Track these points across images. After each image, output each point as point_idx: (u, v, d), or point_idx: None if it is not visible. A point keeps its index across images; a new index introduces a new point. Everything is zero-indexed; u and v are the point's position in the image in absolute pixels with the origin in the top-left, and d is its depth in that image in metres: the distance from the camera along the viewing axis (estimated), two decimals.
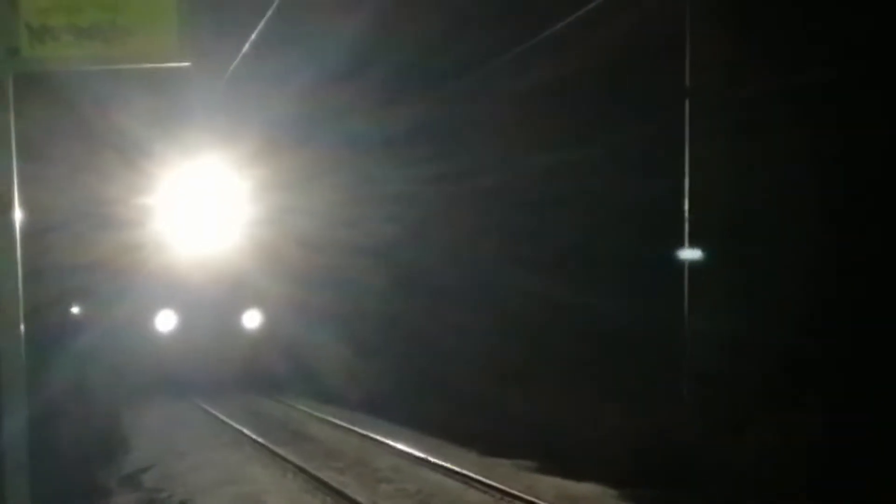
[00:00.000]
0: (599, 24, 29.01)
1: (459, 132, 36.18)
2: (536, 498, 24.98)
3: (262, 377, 46.12)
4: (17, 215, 6.25)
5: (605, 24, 28.91)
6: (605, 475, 27.42)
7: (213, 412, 39.12)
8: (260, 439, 35.40)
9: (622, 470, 27.57)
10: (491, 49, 34.46)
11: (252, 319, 49.94)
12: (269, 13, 29.07)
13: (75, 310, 44.82)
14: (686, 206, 25.78)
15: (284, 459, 31.98)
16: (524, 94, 34.54)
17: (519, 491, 25.73)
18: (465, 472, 29.15)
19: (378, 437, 35.26)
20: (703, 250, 26.70)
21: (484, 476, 28.08)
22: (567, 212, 32.95)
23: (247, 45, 31.85)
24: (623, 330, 30.46)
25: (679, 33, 25.36)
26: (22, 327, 5.98)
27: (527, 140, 35.02)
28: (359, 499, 24.90)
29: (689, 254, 27.77)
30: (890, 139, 24.06)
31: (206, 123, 37.84)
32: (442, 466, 30.44)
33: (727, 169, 25.98)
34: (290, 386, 44.18)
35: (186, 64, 6.12)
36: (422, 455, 32.24)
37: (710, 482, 24.85)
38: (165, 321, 48.59)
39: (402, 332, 39.69)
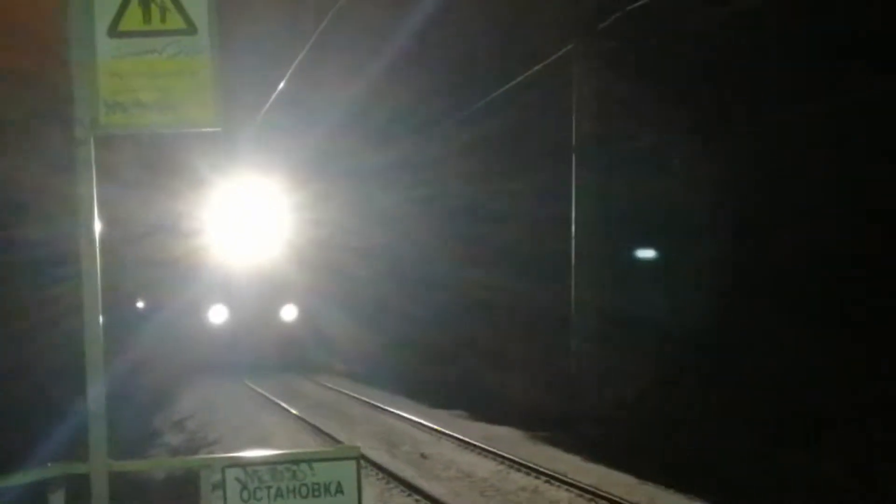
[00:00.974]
0: (525, 99, 33.71)
1: (431, 168, 40.20)
2: (466, 437, 27.90)
3: (295, 360, 46.48)
4: (98, 227, 6.81)
5: (527, 99, 33.82)
6: (515, 421, 30.47)
7: (249, 384, 40.63)
8: (275, 399, 38.01)
9: (527, 417, 30.59)
10: (448, 111, 39.94)
11: (289, 313, 50.26)
12: (286, 77, 31.20)
13: (140, 304, 45.96)
14: (573, 222, 29.26)
15: (289, 412, 34.86)
16: (474, 143, 39.76)
17: (452, 431, 29.07)
18: (414, 418, 33.21)
19: (365, 398, 38.95)
20: (583, 249, 29.39)
21: (429, 421, 31.41)
22: (502, 226, 37.96)
23: (273, 95, 34.31)
24: (536, 303, 34.57)
25: (569, 114, 28.52)
26: (101, 319, 6.58)
27: (475, 175, 40.32)
28: (337, 436, 27.89)
29: (574, 251, 30.55)
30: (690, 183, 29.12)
31: (249, 156, 39.02)
32: (399, 415, 34.41)
33: (597, 197, 30.45)
34: (315, 365, 45.70)
35: (219, 129, 6.84)
36: (388, 408, 35.78)
37: (584, 423, 27.73)
38: (217, 314, 49.08)
39: (393, 311, 42.72)
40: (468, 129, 38.45)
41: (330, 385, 40.70)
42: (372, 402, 37.32)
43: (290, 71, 34.64)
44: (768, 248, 27.63)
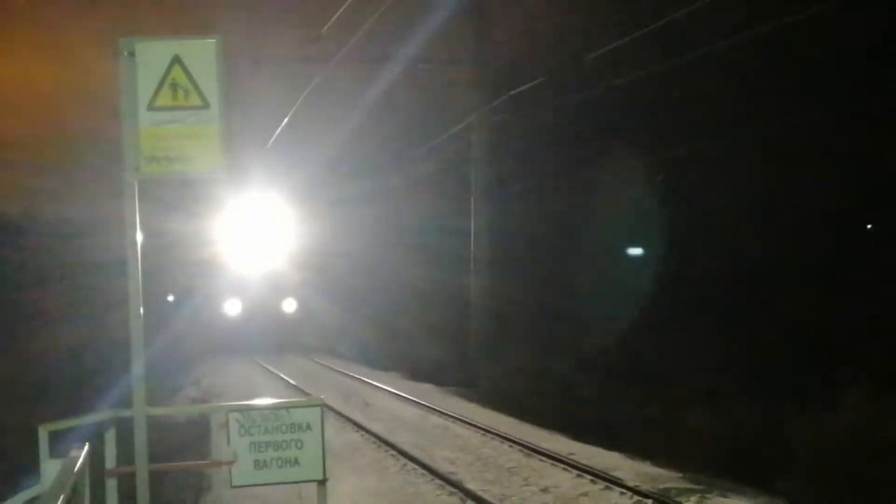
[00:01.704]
0: (445, 152, 39.88)
1: (386, 197, 43.43)
2: (398, 390, 33.32)
3: (294, 342, 49.63)
4: (140, 238, 7.43)
5: (446, 153, 40.08)
6: (434, 380, 35.96)
7: (255, 360, 43.48)
8: (270, 367, 42.37)
9: (442, 377, 35.85)
10: (395, 160, 46.02)
11: (289, 305, 52.81)
12: (286, 119, 33.46)
13: (170, 298, 46.96)
14: (472, 240, 34.64)
15: (279, 376, 39.58)
16: (413, 181, 44.71)
17: (389, 387, 34.37)
18: (365, 378, 38.11)
19: (336, 368, 42.92)
20: (478, 256, 34.72)
21: (374, 381, 37.18)
22: (430, 238, 42.14)
23: (278, 130, 36.24)
24: (450, 294, 38.65)
25: (469, 163, 30.85)
26: (142, 310, 7.52)
27: (415, 203, 45.26)
28: (309, 391, 30.66)
29: (473, 257, 35.39)
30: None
31: (257, 184, 40.11)
32: (355, 377, 39.13)
33: (488, 220, 35.02)
34: (308, 346, 49.65)
35: (225, 176, 7.67)
36: (355, 375, 39.78)
37: (484, 384, 32.39)
38: (232, 307, 51.30)
39: (363, 301, 46.35)
40: (408, 172, 44.11)
41: (315, 360, 44.19)
42: (340, 370, 41.60)
43: (281, 125, 37.50)
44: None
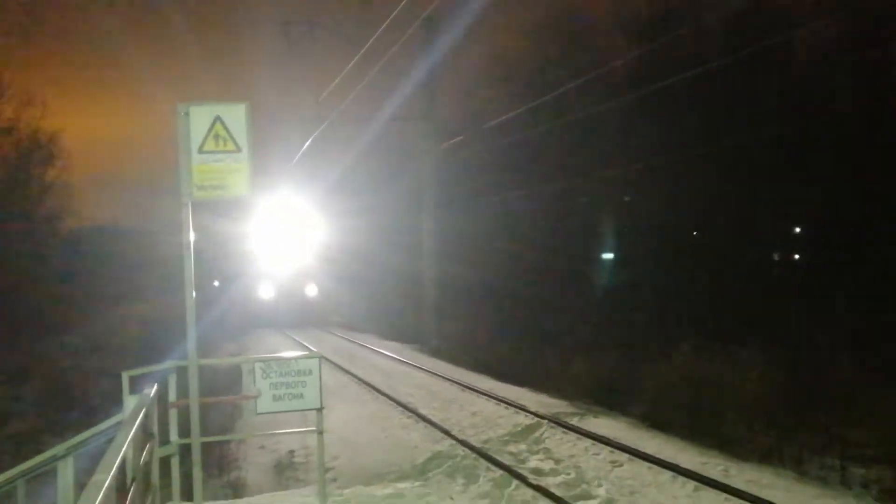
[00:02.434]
0: (409, 180, 37.72)
1: (376, 210, 42.06)
2: (374, 346, 33.18)
3: (315, 319, 47.30)
4: (192, 238, 7.52)
5: (409, 181, 37.74)
6: (401, 340, 35.36)
7: (284, 331, 41.37)
8: (290, 334, 40.78)
9: (406, 338, 35.16)
10: (378, 185, 43.31)
11: (311, 290, 50.18)
12: (308, 142, 32.91)
13: (216, 283, 46.37)
14: (423, 239, 32.88)
15: (296, 340, 37.82)
16: (387, 200, 41.78)
17: (370, 345, 33.88)
18: (354, 340, 37.12)
19: (338, 334, 41.02)
20: (429, 253, 33.09)
21: (360, 341, 35.84)
22: (401, 237, 38.90)
23: (297, 156, 35.74)
24: (412, 276, 36.24)
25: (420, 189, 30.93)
26: (194, 292, 7.46)
27: (391, 216, 41.65)
28: (314, 348, 27.85)
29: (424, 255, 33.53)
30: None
31: (285, 197, 39.33)
32: (348, 339, 38.02)
33: (435, 230, 33.29)
34: (326, 321, 46.88)
35: (251, 195, 7.77)
36: (347, 337, 38.97)
37: (433, 342, 31.80)
38: (266, 291, 48.79)
39: (365, 285, 43.96)
40: (385, 192, 41.90)
41: (328, 330, 41.71)
42: (341, 335, 39.89)
43: (297, 155, 36.85)
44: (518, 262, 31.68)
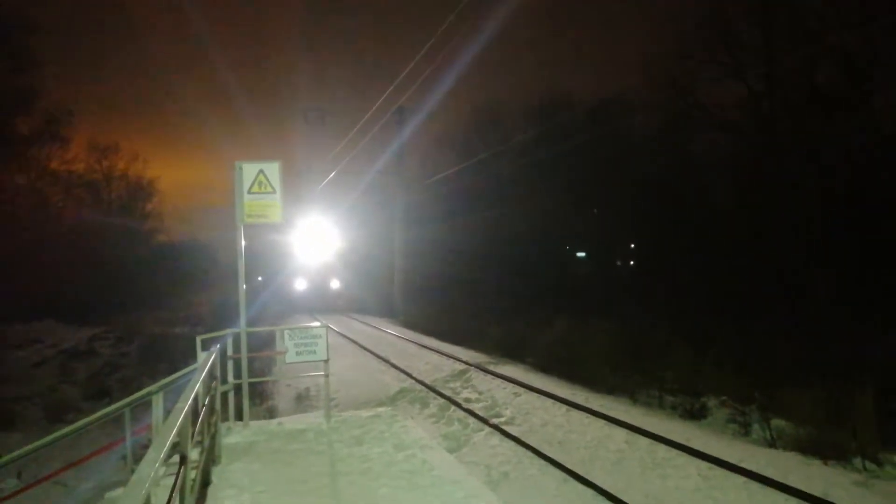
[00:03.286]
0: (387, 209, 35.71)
1: (371, 227, 39.33)
2: (362, 320, 31.69)
3: (337, 306, 42.56)
4: (244, 245, 7.36)
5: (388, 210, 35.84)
6: (381, 316, 33.49)
7: (313, 314, 38.78)
8: (317, 315, 37.55)
9: (384, 315, 33.61)
10: (377, 209, 39.85)
11: (335, 284, 45.16)
12: (333, 174, 32.19)
13: (259, 278, 44.10)
14: (395, 255, 32.22)
15: (319, 319, 36.09)
16: (372, 221, 39.29)
17: (358, 318, 32.73)
18: (357, 317, 35.52)
19: (350, 316, 36.16)
20: (400, 256, 32.28)
21: (360, 318, 34.82)
22: (380, 246, 36.84)
23: (325, 182, 33.59)
24: (389, 269, 34.49)
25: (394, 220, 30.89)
26: (244, 285, 7.21)
27: (378, 231, 38.82)
28: (331, 324, 26.89)
29: (395, 258, 32.59)
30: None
31: (314, 214, 36.40)
32: (354, 317, 35.55)
33: (404, 241, 32.30)
34: (345, 308, 41.59)
35: (282, 222, 7.74)
36: (354, 316, 36.65)
37: (401, 316, 30.84)
38: (300, 284, 44.34)
39: (370, 279, 39.09)
40: (376, 215, 39.05)
41: (345, 315, 37.30)
42: (352, 316, 35.90)
43: (320, 186, 35.26)
44: (458, 262, 30.70)
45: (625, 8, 60.57)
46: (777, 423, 9.54)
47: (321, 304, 42.07)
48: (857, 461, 8.05)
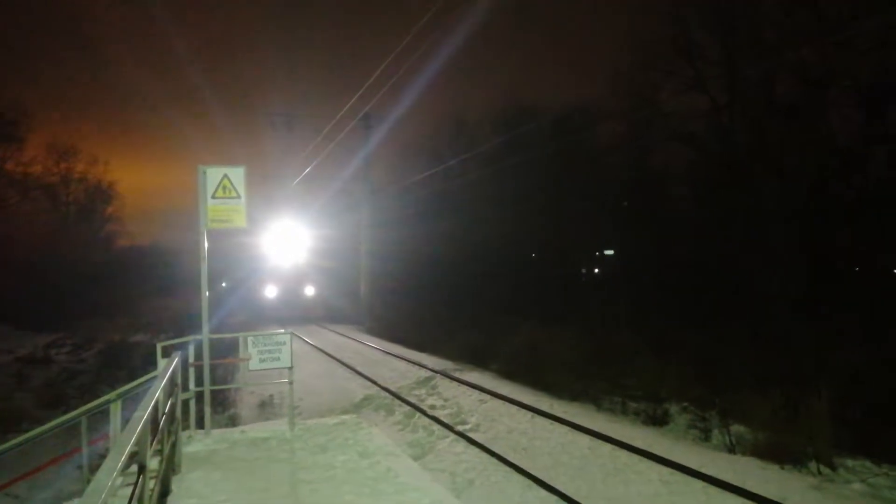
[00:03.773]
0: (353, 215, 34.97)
1: (340, 232, 37.02)
2: (329, 327, 31.20)
3: (314, 317, 37.84)
4: (206, 247, 7.17)
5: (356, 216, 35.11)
6: (349, 323, 32.61)
7: (282, 322, 36.75)
8: (291, 327, 36.39)
9: (351, 322, 32.70)
10: (344, 212, 38.19)
11: (309, 290, 40.42)
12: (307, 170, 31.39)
13: (224, 284, 41.70)
14: (362, 263, 31.25)
15: (289, 329, 34.55)
16: (343, 226, 37.29)
17: (326, 325, 32.12)
18: (326, 325, 33.94)
19: (320, 324, 34.67)
20: (367, 262, 31.28)
21: (329, 325, 33.64)
22: (350, 250, 35.55)
23: (298, 179, 32.96)
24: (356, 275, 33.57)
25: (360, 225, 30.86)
26: (207, 293, 7.38)
27: (346, 236, 36.78)
28: (298, 333, 25.83)
29: (362, 263, 31.54)
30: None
31: (286, 214, 34.79)
32: (322, 325, 34.08)
33: (370, 245, 31.21)
34: (318, 316, 38.16)
35: (245, 227, 7.63)
36: (323, 324, 35.60)
37: (367, 323, 30.26)
38: (271, 291, 39.48)
39: (342, 283, 36.52)
40: (342, 224, 37.56)
41: (318, 323, 35.00)
42: (322, 324, 34.01)
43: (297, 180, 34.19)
44: (425, 269, 30.60)
45: (591, 20, 61.52)
46: (736, 428, 9.74)
47: (294, 312, 37.86)
48: (813, 465, 8.26)
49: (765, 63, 17.96)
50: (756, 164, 18.39)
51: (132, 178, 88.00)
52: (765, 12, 19.02)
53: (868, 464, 8.42)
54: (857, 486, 7.65)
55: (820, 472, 8.08)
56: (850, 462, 8.46)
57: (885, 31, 15.40)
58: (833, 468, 8.21)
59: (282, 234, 34.54)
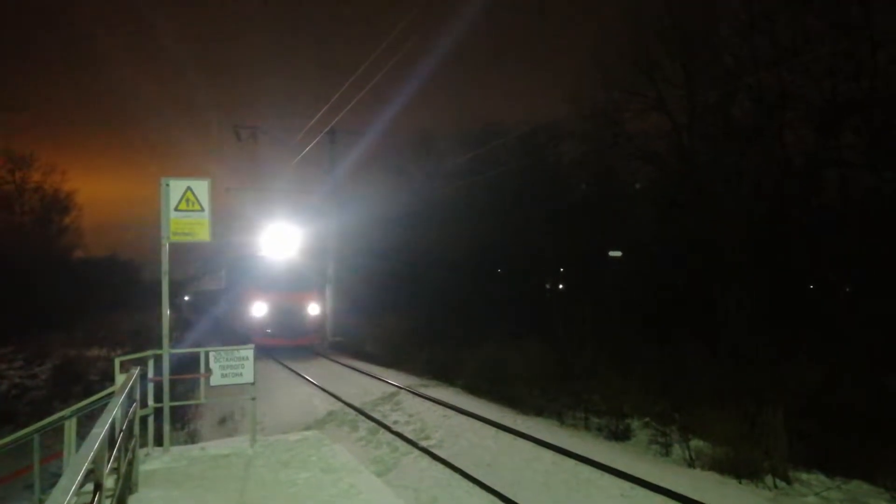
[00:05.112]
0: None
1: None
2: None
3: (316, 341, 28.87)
4: (167, 266, 7.06)
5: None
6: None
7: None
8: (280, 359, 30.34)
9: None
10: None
11: (314, 310, 34.73)
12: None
13: (186, 297, 39.84)
14: (327, 278, 29.21)
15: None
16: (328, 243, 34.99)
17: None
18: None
19: (336, 359, 31.48)
20: (335, 277, 29.40)
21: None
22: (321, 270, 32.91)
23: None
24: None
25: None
26: (168, 310, 7.15)
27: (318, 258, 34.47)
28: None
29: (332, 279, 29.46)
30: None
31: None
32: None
33: (338, 263, 29.53)
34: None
35: (209, 241, 7.94)
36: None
37: (334, 338, 28.64)
38: (259, 310, 28.21)
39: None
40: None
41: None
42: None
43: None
44: (391, 284, 30.44)
45: (556, 42, 62.59)
46: (696, 443, 9.90)
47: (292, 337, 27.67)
48: (769, 479, 8.43)
49: (722, 86, 18.49)
50: (715, 184, 18.85)
51: (97, 189, 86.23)
52: (724, 37, 19.59)
53: (822, 477, 8.63)
54: (811, 499, 7.84)
55: (776, 486, 8.26)
56: (804, 476, 8.66)
57: (833, 59, 16.01)
58: (789, 482, 8.40)
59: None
